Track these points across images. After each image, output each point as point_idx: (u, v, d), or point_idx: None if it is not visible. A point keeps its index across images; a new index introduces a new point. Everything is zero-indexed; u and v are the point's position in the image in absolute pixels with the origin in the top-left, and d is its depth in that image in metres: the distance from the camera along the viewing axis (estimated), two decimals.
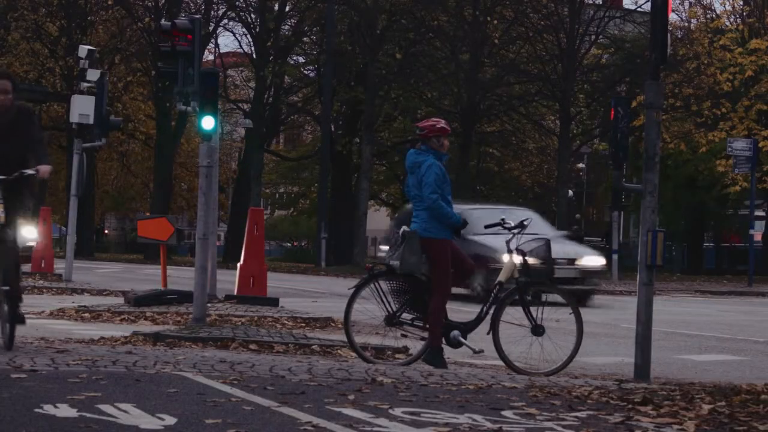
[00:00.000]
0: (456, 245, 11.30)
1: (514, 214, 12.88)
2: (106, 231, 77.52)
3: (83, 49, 23.16)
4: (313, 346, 12.02)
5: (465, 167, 42.05)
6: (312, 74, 49.44)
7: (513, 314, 11.23)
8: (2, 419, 6.20)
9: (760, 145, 35.95)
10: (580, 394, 8.04)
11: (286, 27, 46.16)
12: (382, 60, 42.00)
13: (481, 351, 11.20)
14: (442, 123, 11.20)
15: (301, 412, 6.73)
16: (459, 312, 12.16)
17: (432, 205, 10.83)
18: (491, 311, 11.20)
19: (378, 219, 62.36)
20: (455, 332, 11.06)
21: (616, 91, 41.96)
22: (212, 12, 45.52)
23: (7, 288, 9.49)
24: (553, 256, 11.88)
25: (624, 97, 30.17)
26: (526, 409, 7.25)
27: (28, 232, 12.76)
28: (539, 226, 19.70)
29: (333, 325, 14.92)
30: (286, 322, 14.89)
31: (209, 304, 14.32)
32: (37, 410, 6.49)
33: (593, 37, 42.58)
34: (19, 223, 9.68)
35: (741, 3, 42.61)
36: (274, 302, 16.52)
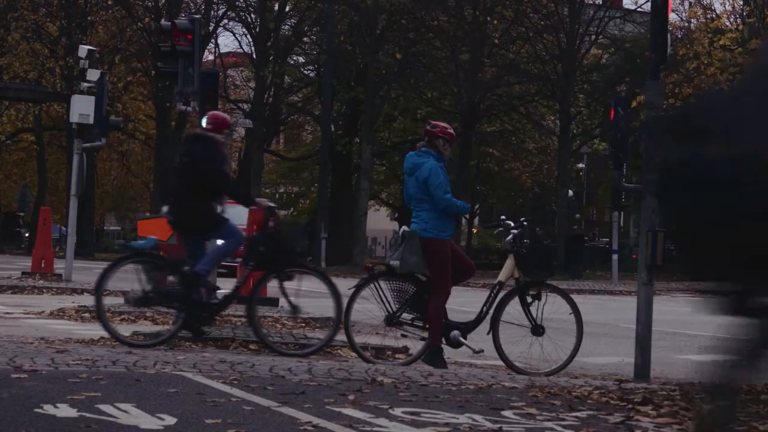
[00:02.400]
0: (456, 245, 11.34)
1: None
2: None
3: (83, 49, 23.16)
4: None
5: (465, 167, 42.03)
6: (312, 74, 49.42)
7: (513, 314, 11.26)
8: (2, 419, 6.20)
9: None
10: (580, 394, 8.04)
11: (286, 27, 46.13)
12: (382, 60, 41.98)
13: (481, 351, 11.22)
14: (451, 129, 11.36)
15: (301, 412, 6.73)
16: (459, 312, 12.17)
17: (447, 204, 10.88)
18: (491, 311, 11.23)
19: (378, 219, 62.30)
20: (455, 332, 11.07)
21: (616, 91, 41.93)
22: (212, 12, 45.50)
23: None
24: None
25: (624, 97, 30.19)
26: (526, 409, 7.25)
27: None
28: None
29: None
30: (286, 322, 14.88)
31: None
32: (37, 410, 6.49)
33: (593, 37, 42.56)
34: None
35: (741, 3, 42.59)
36: (274, 302, 16.49)
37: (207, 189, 11.38)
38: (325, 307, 17.32)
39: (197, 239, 11.59)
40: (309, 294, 11.91)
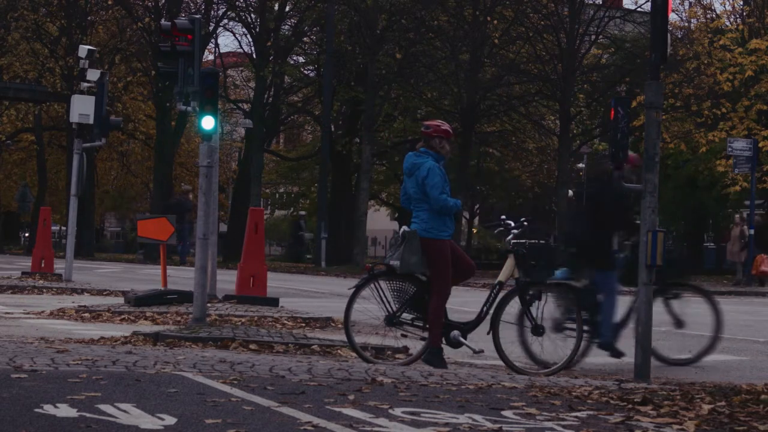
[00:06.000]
0: (456, 245, 11.33)
1: None
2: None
3: (83, 49, 23.15)
4: (313, 346, 12.03)
5: (465, 167, 42.01)
6: (312, 74, 49.42)
7: (513, 314, 11.25)
8: (2, 419, 6.20)
9: (760, 145, 35.94)
10: (580, 394, 8.04)
11: (286, 27, 46.13)
12: (382, 60, 41.95)
13: (481, 351, 11.22)
14: (446, 126, 11.29)
15: (301, 412, 6.73)
16: (459, 312, 12.16)
17: (442, 204, 10.86)
18: (491, 311, 11.23)
19: (378, 219, 62.31)
20: (455, 332, 11.07)
21: (616, 91, 41.90)
22: (212, 12, 45.48)
23: None
24: None
25: (624, 97, 30.11)
26: (526, 409, 7.25)
27: None
28: None
29: (333, 325, 14.93)
30: (286, 322, 14.89)
31: (209, 304, 14.33)
32: (37, 410, 6.49)
33: (593, 37, 42.52)
34: None
35: (741, 3, 42.58)
36: (274, 302, 16.51)
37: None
38: (324, 308, 17.35)
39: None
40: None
